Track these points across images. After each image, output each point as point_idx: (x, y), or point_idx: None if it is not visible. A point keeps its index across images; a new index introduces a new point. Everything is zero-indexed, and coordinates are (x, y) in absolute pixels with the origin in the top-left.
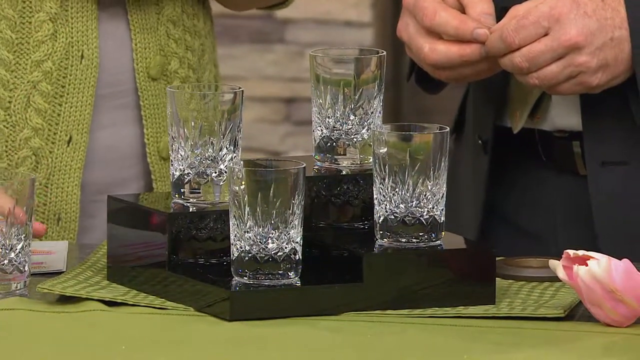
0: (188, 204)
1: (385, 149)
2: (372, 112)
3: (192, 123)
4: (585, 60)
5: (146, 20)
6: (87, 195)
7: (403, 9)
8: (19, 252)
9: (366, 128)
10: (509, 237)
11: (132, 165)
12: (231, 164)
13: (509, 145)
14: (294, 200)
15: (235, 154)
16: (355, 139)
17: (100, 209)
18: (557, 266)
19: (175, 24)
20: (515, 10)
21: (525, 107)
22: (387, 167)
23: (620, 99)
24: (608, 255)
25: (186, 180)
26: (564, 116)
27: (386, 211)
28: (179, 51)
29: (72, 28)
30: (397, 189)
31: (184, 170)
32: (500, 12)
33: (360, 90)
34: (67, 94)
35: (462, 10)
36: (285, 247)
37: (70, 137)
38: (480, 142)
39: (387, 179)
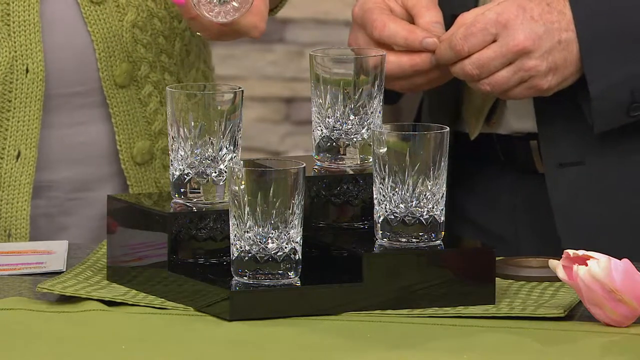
0: (188, 204)
1: (385, 149)
2: (372, 112)
3: (192, 123)
4: (534, 64)
5: (108, 29)
6: (62, 193)
7: (352, 22)
8: None
9: (366, 128)
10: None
11: (108, 163)
12: (231, 164)
13: (468, 149)
14: (293, 200)
15: (235, 154)
16: (355, 139)
17: (76, 206)
18: (557, 266)
19: (143, 28)
20: (463, 18)
21: (481, 113)
22: (387, 167)
23: (573, 100)
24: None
25: (186, 180)
26: (519, 120)
27: (386, 211)
28: (150, 56)
29: (14, 42)
30: (397, 189)
31: (184, 170)
32: (451, 20)
33: (360, 90)
34: (14, 109)
35: (411, 20)
36: (285, 247)
37: (19, 152)
38: None
39: (387, 179)
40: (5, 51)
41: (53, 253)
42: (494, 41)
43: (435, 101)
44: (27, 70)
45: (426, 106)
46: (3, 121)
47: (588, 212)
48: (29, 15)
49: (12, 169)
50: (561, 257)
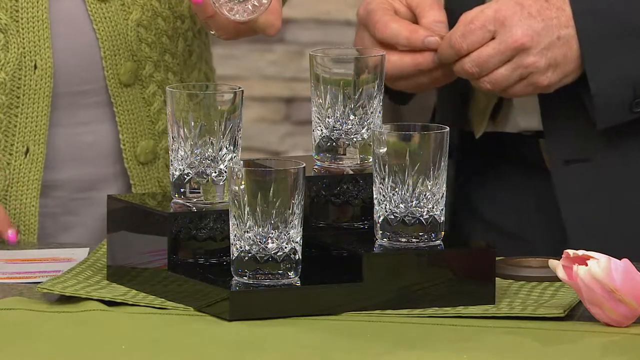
0: (188, 204)
1: (385, 149)
2: (371, 112)
3: (192, 123)
4: (533, 60)
5: (113, 27)
6: (67, 192)
7: (358, 23)
8: None
9: (366, 128)
10: (482, 235)
11: (112, 163)
12: (231, 164)
13: (479, 147)
14: (293, 200)
15: (235, 154)
16: (355, 139)
17: (81, 206)
18: (557, 266)
19: (147, 28)
20: (464, 16)
21: (485, 112)
22: (387, 167)
23: (577, 97)
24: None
25: (186, 180)
26: (525, 118)
27: (386, 211)
28: (154, 55)
29: (23, 39)
30: (397, 189)
31: (183, 170)
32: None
33: (360, 90)
34: (22, 105)
35: (415, 20)
36: (285, 247)
37: (28, 149)
38: None
39: (387, 179)
40: (14, 47)
41: (73, 260)
42: (493, 39)
43: (446, 100)
44: (35, 67)
45: (437, 105)
46: (12, 118)
47: (595, 209)
48: (37, 12)
49: (20, 165)
50: (561, 257)
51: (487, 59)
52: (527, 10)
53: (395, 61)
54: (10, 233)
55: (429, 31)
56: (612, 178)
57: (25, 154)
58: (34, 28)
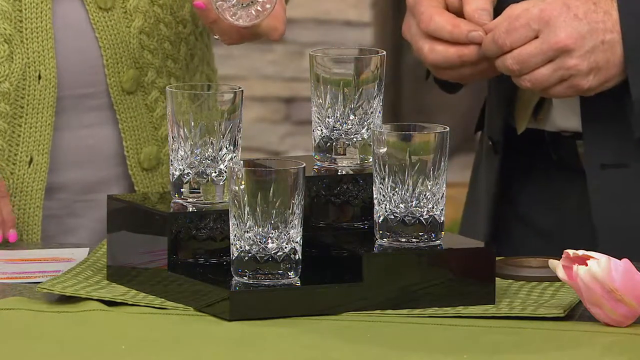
0: (188, 204)
1: (385, 149)
2: (372, 112)
3: (192, 123)
4: (575, 63)
5: (115, 35)
6: (70, 194)
7: (407, 10)
8: None
9: (366, 128)
10: (521, 234)
11: (115, 165)
12: (231, 164)
13: (521, 144)
14: (293, 200)
15: (235, 154)
16: (355, 139)
17: (84, 208)
18: (557, 266)
19: (150, 34)
20: (511, 10)
21: (528, 108)
22: (387, 167)
23: (619, 102)
24: (608, 256)
25: (186, 180)
26: (564, 118)
27: (386, 211)
28: (156, 61)
29: (27, 49)
30: (397, 189)
31: (183, 170)
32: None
33: (360, 90)
34: (26, 115)
35: (461, 6)
36: (285, 247)
37: (31, 158)
38: (490, 142)
39: (387, 179)
40: (19, 58)
41: (73, 260)
42: (536, 37)
43: (493, 94)
44: (39, 77)
45: (487, 98)
46: (15, 127)
47: (628, 218)
48: (41, 22)
49: (24, 174)
50: (561, 257)
51: (529, 57)
52: (573, 11)
53: (441, 51)
54: (12, 232)
55: (472, 25)
56: None
57: (29, 164)
58: (38, 38)
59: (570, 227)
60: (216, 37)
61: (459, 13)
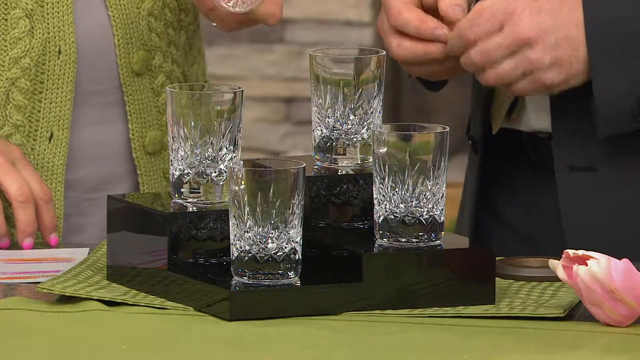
0: (188, 204)
1: (385, 149)
2: (371, 112)
3: (192, 123)
4: (537, 56)
5: (127, 15)
6: (78, 193)
7: (381, 5)
8: None
9: (366, 128)
10: (501, 236)
11: (121, 163)
12: (231, 164)
13: (500, 145)
14: (293, 200)
15: (235, 154)
16: (355, 139)
17: (92, 206)
18: (557, 266)
19: (157, 17)
20: (479, 5)
21: (502, 108)
22: (387, 167)
23: (587, 103)
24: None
25: (186, 180)
26: (537, 118)
27: (386, 211)
28: (162, 45)
29: (48, 24)
30: (397, 189)
31: (183, 170)
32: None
33: (360, 90)
34: (46, 90)
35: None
36: (285, 247)
37: (52, 134)
38: (470, 142)
39: (387, 179)
40: (39, 33)
41: (74, 260)
42: (501, 31)
43: (474, 94)
44: (59, 52)
45: (470, 99)
46: (35, 103)
47: (596, 221)
48: None
49: (45, 150)
50: (561, 257)
51: (492, 50)
52: (538, 5)
53: (408, 47)
54: (53, 237)
55: (438, 22)
56: (616, 190)
57: (50, 139)
58: (58, 13)
59: (547, 230)
60: (214, 24)
61: (434, 9)
